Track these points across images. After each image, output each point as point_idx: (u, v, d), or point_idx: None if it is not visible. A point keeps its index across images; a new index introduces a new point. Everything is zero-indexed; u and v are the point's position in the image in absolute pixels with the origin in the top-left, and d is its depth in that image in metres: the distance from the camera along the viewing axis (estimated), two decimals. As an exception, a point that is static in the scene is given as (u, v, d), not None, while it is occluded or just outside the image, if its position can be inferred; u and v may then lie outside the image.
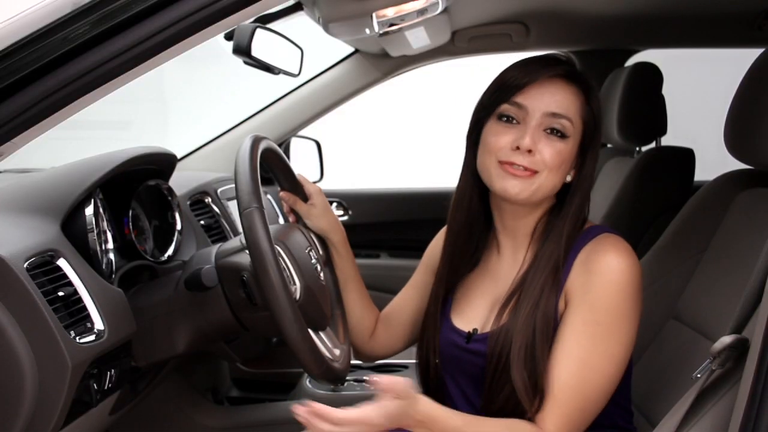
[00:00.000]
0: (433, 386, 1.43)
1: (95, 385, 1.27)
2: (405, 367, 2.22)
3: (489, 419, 1.29)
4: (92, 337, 1.23)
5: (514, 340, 1.25)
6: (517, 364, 1.24)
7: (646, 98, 2.51)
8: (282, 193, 1.52)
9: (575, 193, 1.32)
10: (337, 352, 1.34)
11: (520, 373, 1.24)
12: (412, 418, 1.17)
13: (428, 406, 1.19)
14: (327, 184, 2.37)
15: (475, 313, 1.37)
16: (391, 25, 1.84)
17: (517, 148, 1.26)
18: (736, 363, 1.10)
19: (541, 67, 1.28)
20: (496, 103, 1.30)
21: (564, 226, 1.30)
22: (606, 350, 1.24)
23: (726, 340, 1.08)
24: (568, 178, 1.32)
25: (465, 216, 1.40)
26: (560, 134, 1.27)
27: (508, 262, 1.38)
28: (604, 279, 1.24)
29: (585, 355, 1.23)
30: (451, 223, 1.42)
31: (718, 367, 1.09)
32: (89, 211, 1.35)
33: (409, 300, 1.55)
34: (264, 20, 2.16)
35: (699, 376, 1.11)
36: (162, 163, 1.63)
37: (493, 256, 1.41)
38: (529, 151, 1.26)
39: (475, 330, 1.35)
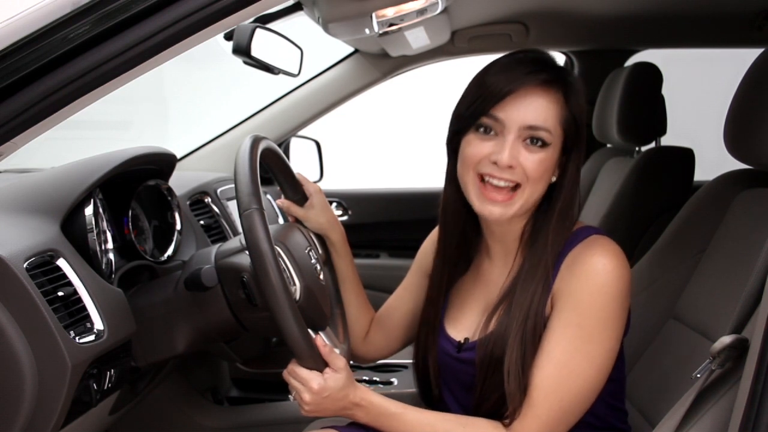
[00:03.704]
0: (429, 390, 1.43)
1: (95, 385, 1.27)
2: (404, 367, 2.22)
3: (439, 413, 1.31)
4: (92, 337, 1.23)
5: (508, 348, 1.24)
6: (513, 371, 1.23)
7: (646, 98, 2.51)
8: (278, 201, 1.53)
9: (560, 193, 1.29)
10: (336, 351, 1.34)
11: (516, 380, 1.23)
12: (349, 399, 1.26)
13: (367, 391, 1.28)
14: (327, 184, 2.37)
15: (467, 321, 1.37)
16: (391, 25, 1.84)
17: (495, 163, 1.25)
18: (736, 363, 1.10)
19: (520, 75, 1.24)
20: (474, 115, 1.27)
21: (550, 228, 1.28)
22: (587, 353, 1.22)
23: (726, 340, 1.08)
24: (553, 179, 1.30)
25: (454, 223, 1.39)
26: (541, 143, 1.25)
27: (498, 267, 1.37)
28: (588, 281, 1.23)
29: (564, 357, 1.22)
30: (442, 231, 1.41)
31: (718, 367, 1.09)
32: (89, 211, 1.35)
33: (401, 302, 1.54)
34: (264, 20, 2.16)
35: (699, 376, 1.11)
36: (162, 163, 1.63)
37: (484, 261, 1.40)
38: (509, 167, 1.24)
39: (466, 339, 1.34)
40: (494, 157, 1.25)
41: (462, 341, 1.35)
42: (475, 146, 1.27)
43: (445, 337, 1.38)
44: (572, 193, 1.30)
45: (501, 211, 1.26)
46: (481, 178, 1.27)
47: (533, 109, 1.24)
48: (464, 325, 1.37)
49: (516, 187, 1.26)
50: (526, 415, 1.22)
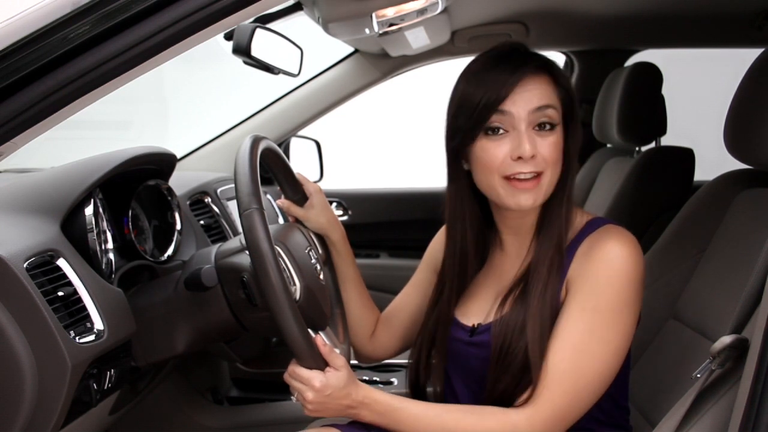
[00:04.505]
0: (420, 384, 1.43)
1: (95, 385, 1.27)
2: (405, 367, 2.21)
3: (444, 404, 1.31)
4: (92, 337, 1.23)
5: (529, 321, 1.25)
6: (537, 344, 1.23)
7: (646, 98, 2.51)
8: (278, 201, 1.53)
9: (563, 170, 1.31)
10: (336, 351, 1.34)
11: (540, 354, 1.22)
12: (352, 398, 1.25)
13: (369, 389, 1.27)
14: (327, 184, 2.37)
15: (477, 308, 1.37)
16: (391, 25, 1.84)
17: (519, 158, 1.25)
18: (736, 363, 1.10)
19: (514, 68, 1.26)
20: (481, 120, 1.27)
21: (560, 204, 1.30)
22: (603, 337, 1.23)
23: (726, 340, 1.08)
24: None
25: (468, 230, 1.38)
26: (550, 126, 1.27)
27: (512, 257, 1.38)
28: (605, 266, 1.24)
29: (580, 340, 1.22)
30: (452, 239, 1.40)
31: (718, 367, 1.09)
32: (89, 211, 1.35)
33: (409, 300, 1.55)
34: (264, 20, 2.16)
35: (699, 376, 1.11)
36: (162, 163, 1.63)
37: (497, 253, 1.41)
38: (532, 157, 1.25)
39: (479, 324, 1.34)
40: (516, 153, 1.25)
41: (474, 325, 1.35)
42: (492, 150, 1.27)
43: (456, 324, 1.38)
44: (573, 168, 1.32)
45: (533, 197, 1.27)
46: (507, 178, 1.28)
47: (536, 93, 1.26)
48: (474, 312, 1.37)
49: (539, 174, 1.27)
50: (539, 398, 1.22)
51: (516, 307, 1.28)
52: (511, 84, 1.26)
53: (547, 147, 1.26)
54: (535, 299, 1.26)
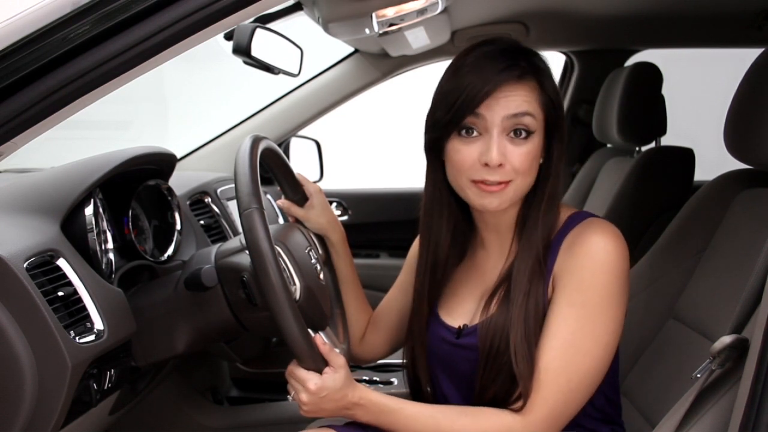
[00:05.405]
0: (418, 385, 1.43)
1: (95, 385, 1.27)
2: (403, 367, 2.22)
3: (439, 405, 1.30)
4: (92, 337, 1.23)
5: (513, 326, 1.24)
6: (520, 350, 1.22)
7: (646, 98, 2.52)
8: (278, 201, 1.53)
9: (547, 175, 1.30)
10: (336, 351, 1.34)
11: (524, 360, 1.22)
12: (348, 399, 1.25)
13: (365, 390, 1.27)
14: (327, 184, 2.37)
15: (463, 308, 1.37)
16: (391, 25, 1.85)
17: (486, 164, 1.24)
18: (736, 363, 1.10)
19: (494, 74, 1.24)
20: (455, 119, 1.26)
21: (539, 210, 1.29)
22: (592, 332, 1.22)
23: (726, 340, 1.08)
24: (539, 160, 1.30)
25: (443, 224, 1.37)
26: (525, 133, 1.25)
27: (494, 255, 1.37)
28: (590, 259, 1.23)
29: (570, 337, 1.22)
30: (427, 235, 1.39)
31: (718, 367, 1.09)
32: (89, 211, 1.35)
33: (394, 302, 1.54)
34: (264, 20, 2.17)
35: (699, 376, 1.11)
36: (162, 163, 1.63)
37: (479, 252, 1.40)
38: (499, 165, 1.24)
39: (464, 326, 1.34)
40: (484, 158, 1.24)
41: (460, 327, 1.34)
42: (463, 152, 1.26)
43: (441, 325, 1.37)
44: (557, 174, 1.30)
45: (499, 200, 1.26)
46: (475, 182, 1.27)
47: (514, 100, 1.24)
48: (459, 312, 1.36)
49: (507, 182, 1.26)
50: (533, 399, 1.21)
51: (502, 309, 1.28)
52: (489, 89, 1.23)
53: (518, 156, 1.24)
54: (519, 305, 1.25)
